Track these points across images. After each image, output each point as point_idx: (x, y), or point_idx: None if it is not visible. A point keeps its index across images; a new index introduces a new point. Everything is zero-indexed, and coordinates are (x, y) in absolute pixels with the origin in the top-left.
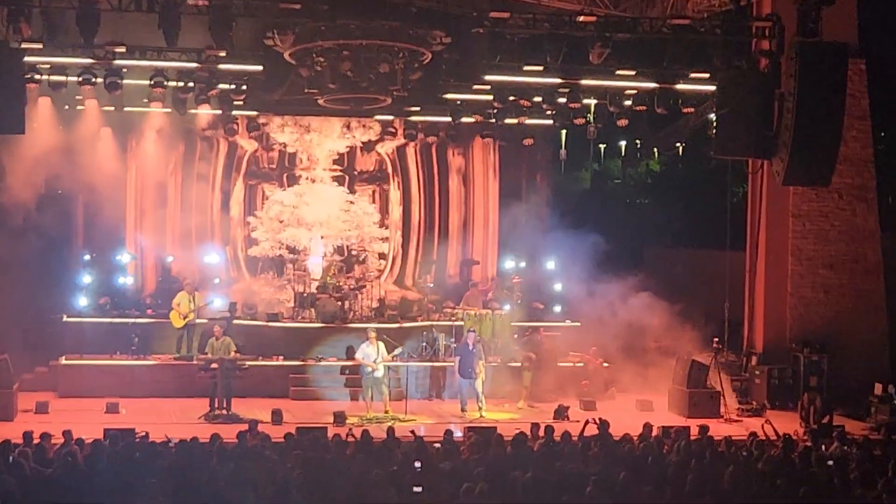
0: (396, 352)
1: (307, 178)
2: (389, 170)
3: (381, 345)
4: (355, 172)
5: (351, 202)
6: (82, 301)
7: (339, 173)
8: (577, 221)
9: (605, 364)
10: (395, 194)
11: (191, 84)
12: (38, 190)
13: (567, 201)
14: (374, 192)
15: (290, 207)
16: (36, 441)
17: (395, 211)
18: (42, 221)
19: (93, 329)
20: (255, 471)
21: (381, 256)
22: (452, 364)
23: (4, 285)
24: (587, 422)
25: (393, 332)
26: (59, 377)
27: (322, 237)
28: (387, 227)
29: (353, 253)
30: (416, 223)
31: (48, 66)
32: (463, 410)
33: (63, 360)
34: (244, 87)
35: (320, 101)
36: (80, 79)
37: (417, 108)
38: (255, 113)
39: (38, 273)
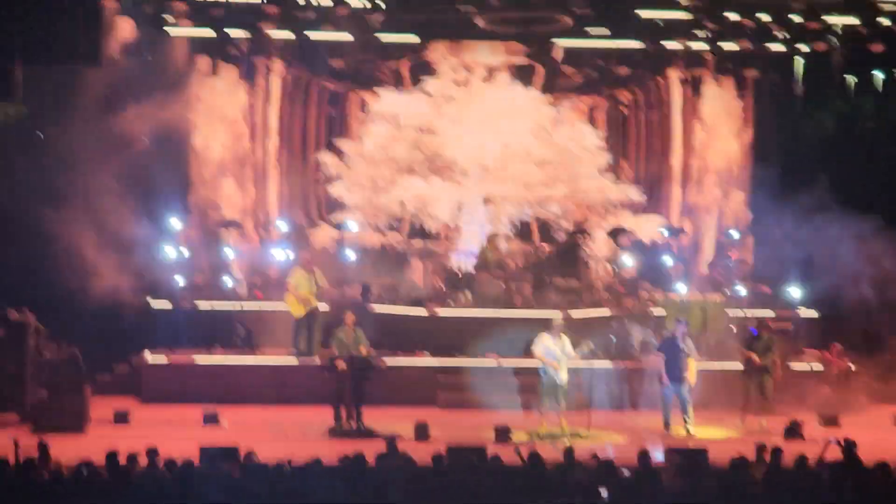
0: (585, 350)
1: (453, 73)
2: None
3: (567, 340)
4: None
5: (553, 124)
6: (176, 281)
7: (527, 63)
8: (817, 178)
9: (853, 367)
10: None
11: (315, 1)
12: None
13: (803, 152)
14: (592, 110)
15: (414, 130)
16: (123, 462)
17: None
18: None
19: (187, 317)
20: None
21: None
22: (653, 365)
23: (75, 259)
24: (828, 443)
25: (572, 323)
26: (144, 378)
27: (487, 201)
28: (626, 179)
29: (556, 231)
30: None
31: None
32: (667, 426)
33: (148, 357)
34: (382, 5)
35: (479, 23)
36: None
37: (606, 32)
38: (395, 38)
39: (118, 243)
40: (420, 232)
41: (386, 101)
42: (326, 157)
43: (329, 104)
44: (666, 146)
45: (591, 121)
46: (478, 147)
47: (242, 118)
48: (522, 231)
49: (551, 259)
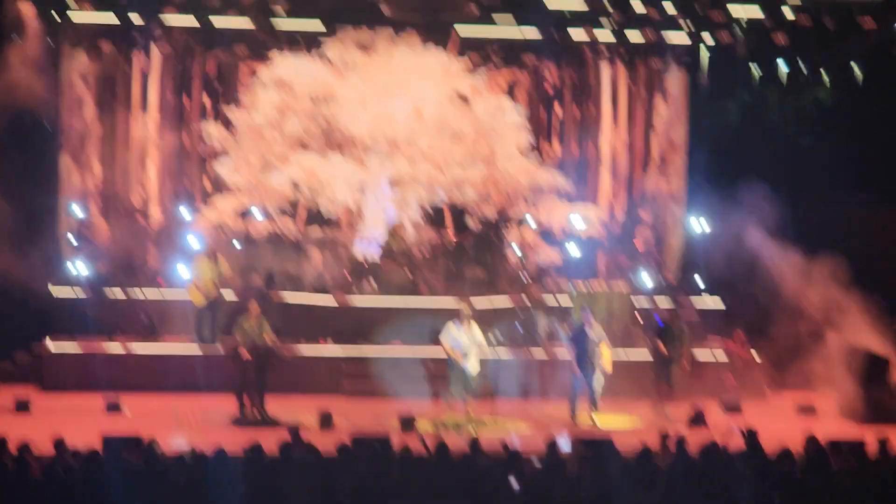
0: (491, 339)
1: (355, 34)
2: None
3: (476, 328)
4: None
5: (471, 92)
6: (77, 267)
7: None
8: (722, 167)
9: (756, 354)
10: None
11: None
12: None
13: (709, 141)
14: (513, 84)
15: (309, 99)
16: (14, 453)
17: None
18: (15, 162)
19: (89, 305)
20: (297, 494)
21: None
22: (558, 354)
23: None
24: (731, 431)
25: (478, 313)
26: (45, 366)
27: (394, 183)
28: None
29: (473, 218)
30: None
31: None
32: (573, 415)
33: (50, 345)
34: None
35: (385, 11)
36: None
37: (510, 18)
38: (298, 27)
39: (15, 230)
40: (318, 218)
41: (279, 66)
42: (212, 129)
43: (217, 71)
44: (594, 129)
45: (512, 97)
46: (383, 118)
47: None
48: (434, 218)
49: (461, 248)
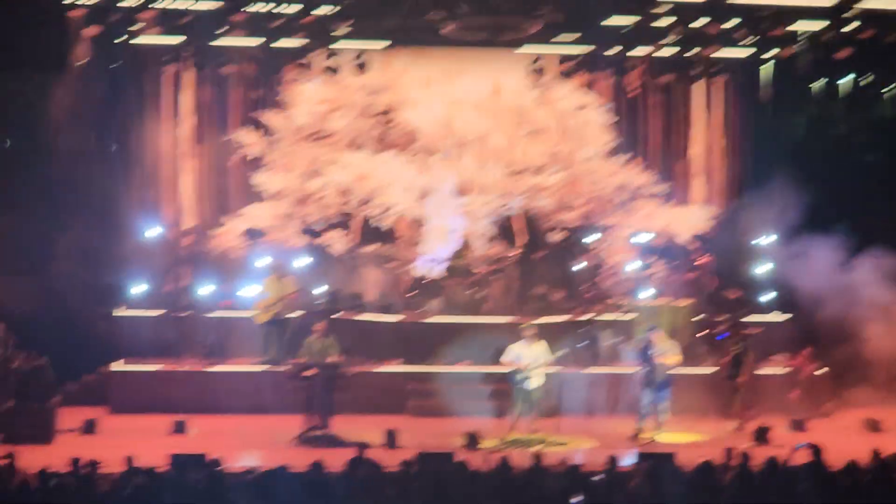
0: (556, 356)
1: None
2: None
3: (540, 346)
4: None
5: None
6: (139, 288)
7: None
8: (786, 183)
9: (823, 371)
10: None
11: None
12: (80, 143)
13: (772, 157)
14: (592, 83)
15: (362, 91)
16: (83, 472)
17: None
18: (86, 183)
19: (154, 326)
20: None
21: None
22: (624, 371)
23: (40, 267)
24: (796, 448)
25: (543, 329)
26: (112, 388)
27: (461, 191)
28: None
29: (548, 229)
30: None
31: None
32: (639, 431)
33: (116, 366)
34: (347, 13)
35: (446, 30)
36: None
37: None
38: (360, 45)
39: (82, 251)
40: (374, 233)
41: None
42: (247, 137)
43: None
44: (682, 135)
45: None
46: (451, 110)
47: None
48: (504, 231)
49: (530, 263)
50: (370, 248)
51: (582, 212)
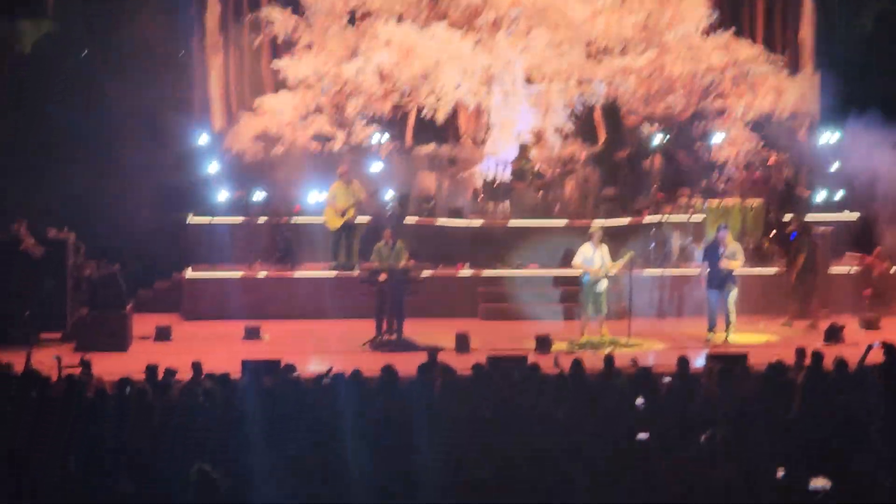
0: (626, 259)
1: None
2: None
3: (606, 249)
4: None
5: None
6: (215, 196)
7: None
8: (855, 80)
9: (895, 269)
10: None
11: None
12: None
13: (840, 51)
14: None
15: None
16: (160, 377)
17: None
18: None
19: (226, 232)
20: (433, 413)
21: None
22: (694, 272)
23: (110, 176)
24: (870, 346)
25: (611, 230)
26: (185, 295)
27: (530, 79)
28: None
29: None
30: None
31: None
32: (710, 331)
33: (189, 273)
34: None
35: None
36: None
37: None
38: None
39: (152, 159)
40: (428, 129)
41: None
42: (274, 13)
43: None
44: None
45: None
46: None
47: None
48: (581, 125)
49: (605, 163)
50: (427, 149)
51: (673, 101)
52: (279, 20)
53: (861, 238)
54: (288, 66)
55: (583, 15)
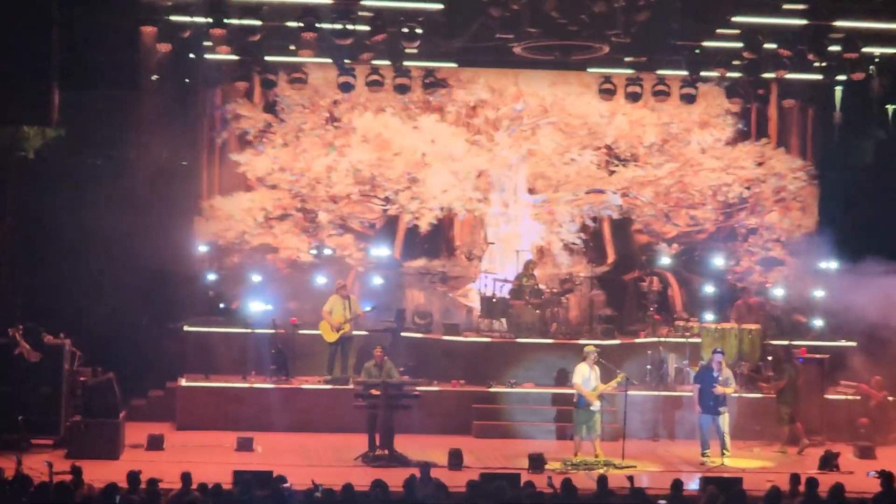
0: (619, 380)
1: None
2: None
3: (598, 369)
4: None
5: None
6: (210, 307)
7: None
8: (855, 206)
9: (892, 399)
10: None
11: (350, 26)
12: (154, 160)
13: (841, 180)
14: None
15: None
16: (144, 486)
17: None
18: (161, 200)
19: (221, 343)
20: None
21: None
22: (689, 394)
23: (109, 283)
24: (868, 475)
25: (607, 350)
26: (179, 404)
27: (532, 190)
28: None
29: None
30: None
31: (169, 2)
32: (704, 455)
33: (183, 382)
34: (418, 31)
35: (516, 50)
36: (210, 19)
37: (643, 59)
38: (431, 64)
39: (152, 269)
40: (419, 240)
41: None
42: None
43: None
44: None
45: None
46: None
47: None
48: (587, 241)
49: (609, 283)
50: (418, 263)
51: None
52: (247, 115)
53: (858, 367)
54: (248, 161)
55: (595, 119)
